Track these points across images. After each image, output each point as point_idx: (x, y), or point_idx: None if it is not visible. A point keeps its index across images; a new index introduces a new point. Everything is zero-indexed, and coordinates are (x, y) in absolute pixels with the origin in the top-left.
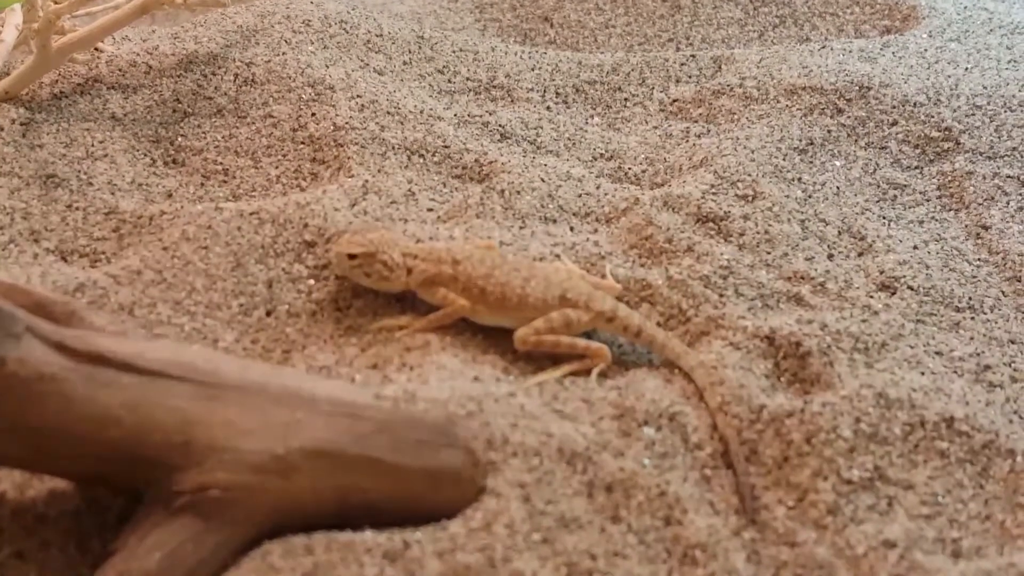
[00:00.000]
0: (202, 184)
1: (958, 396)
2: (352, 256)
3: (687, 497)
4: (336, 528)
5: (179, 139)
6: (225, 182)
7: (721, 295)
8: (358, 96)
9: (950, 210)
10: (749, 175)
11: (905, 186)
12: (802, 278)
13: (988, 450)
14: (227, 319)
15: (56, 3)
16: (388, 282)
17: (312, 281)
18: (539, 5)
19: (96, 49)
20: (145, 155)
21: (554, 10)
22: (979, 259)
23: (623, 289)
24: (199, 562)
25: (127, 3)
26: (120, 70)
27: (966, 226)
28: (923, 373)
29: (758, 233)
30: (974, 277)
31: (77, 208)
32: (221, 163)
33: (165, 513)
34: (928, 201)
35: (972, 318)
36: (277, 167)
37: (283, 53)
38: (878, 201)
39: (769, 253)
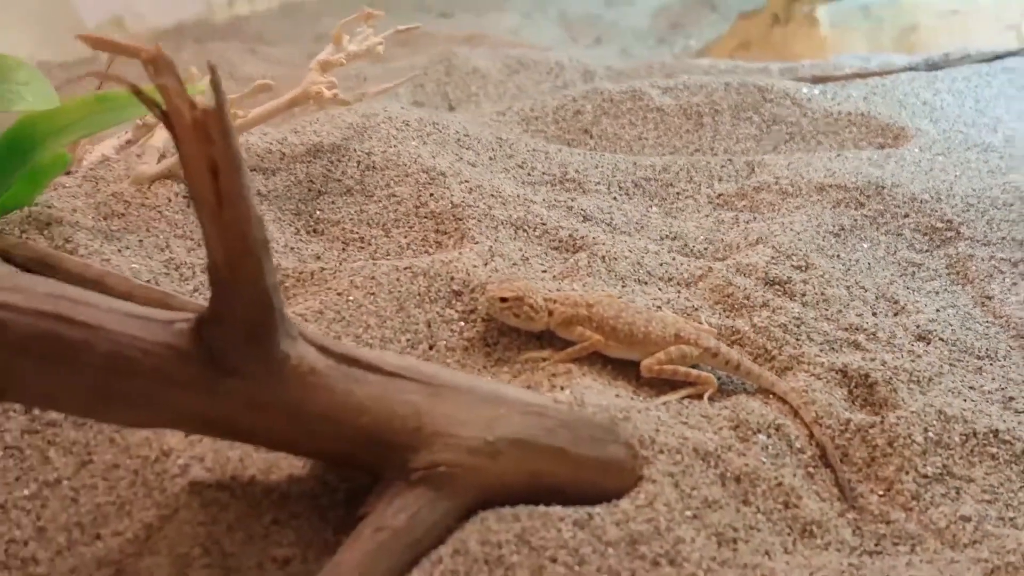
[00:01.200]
0: (344, 249)
1: (996, 416)
2: (504, 300)
3: (799, 487)
4: (533, 503)
5: (317, 212)
6: (363, 248)
7: (797, 339)
8: (465, 181)
9: (958, 284)
10: (799, 250)
11: (921, 264)
12: (857, 329)
13: None
14: (399, 351)
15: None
16: (532, 322)
17: (463, 323)
18: (579, 119)
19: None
20: (290, 225)
21: (592, 124)
22: (988, 321)
23: (718, 332)
24: (434, 523)
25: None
26: (258, 156)
27: (972, 297)
28: (965, 400)
29: (816, 294)
30: (986, 334)
31: None
32: (357, 232)
33: (404, 485)
34: (940, 276)
35: (991, 364)
36: (406, 236)
37: (395, 145)
38: (901, 275)
39: (827, 310)
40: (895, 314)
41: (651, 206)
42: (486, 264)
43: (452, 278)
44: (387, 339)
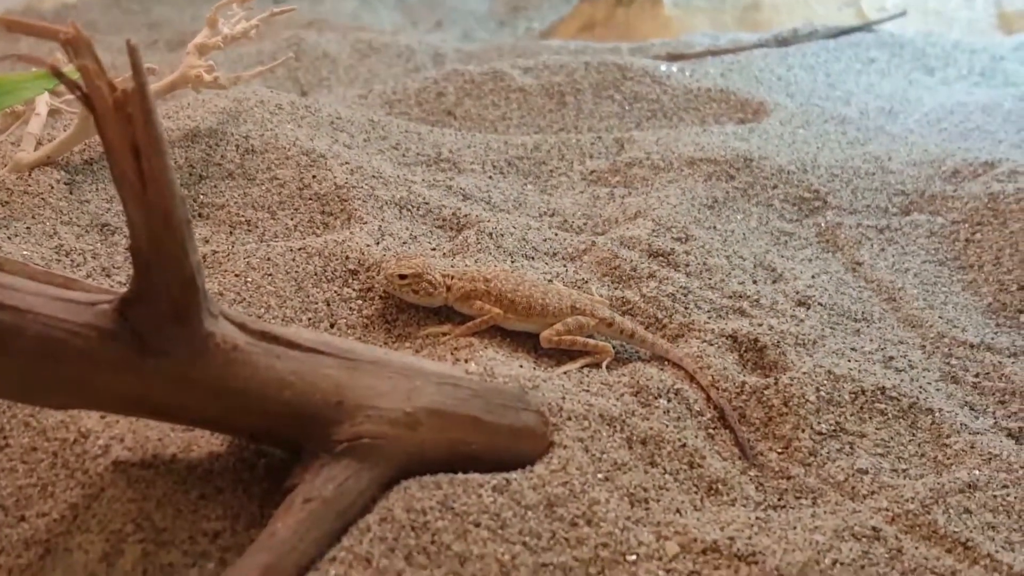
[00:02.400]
0: (231, 232)
1: (881, 374)
2: (403, 276)
3: (702, 447)
4: (452, 470)
5: (200, 197)
6: (250, 231)
7: (686, 307)
8: (346, 163)
9: (829, 251)
10: (678, 223)
11: (792, 233)
12: (741, 296)
13: (914, 409)
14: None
15: None
16: (431, 298)
17: (361, 301)
18: (442, 101)
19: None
20: None
21: (455, 105)
22: (859, 286)
23: (610, 303)
24: (360, 492)
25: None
26: None
27: (843, 263)
28: (850, 360)
29: (699, 265)
30: (860, 298)
31: None
32: (243, 216)
33: (330, 456)
34: (811, 245)
35: (868, 326)
36: (292, 218)
37: (271, 128)
38: (775, 244)
39: (710, 279)
40: (774, 281)
41: (526, 184)
42: (378, 243)
43: (347, 257)
44: (288, 318)
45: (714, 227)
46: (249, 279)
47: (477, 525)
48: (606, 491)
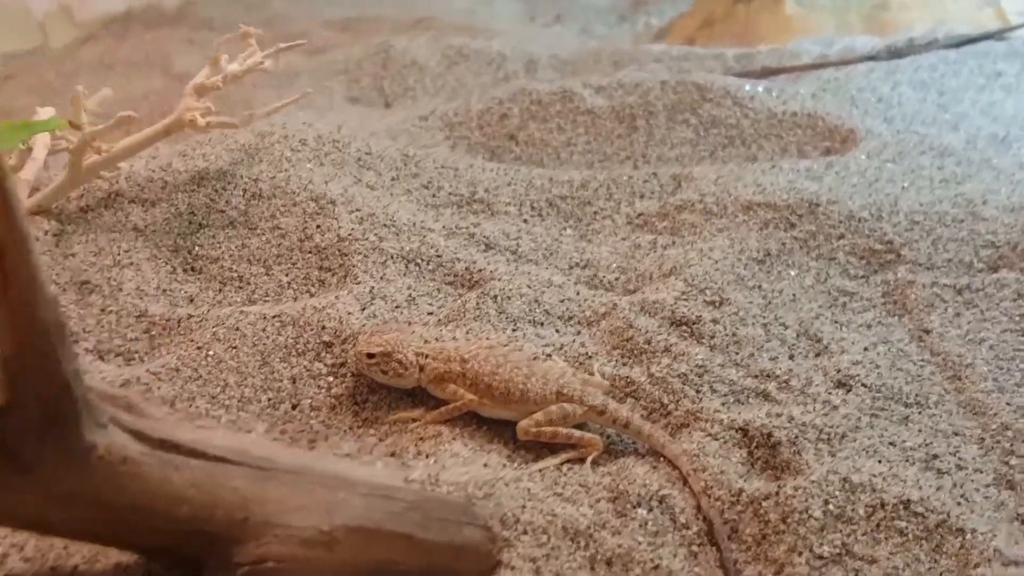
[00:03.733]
0: (220, 290)
1: (912, 481)
2: (371, 356)
3: (678, 570)
4: None
5: (196, 248)
6: (241, 288)
7: (697, 391)
8: (357, 210)
9: (894, 315)
10: (715, 283)
11: (853, 293)
12: (768, 376)
13: (941, 529)
14: (258, 412)
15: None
16: (402, 379)
17: (332, 378)
18: (504, 124)
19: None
20: (167, 263)
21: (519, 129)
22: (922, 360)
23: (610, 385)
24: None
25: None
26: (139, 185)
27: (909, 330)
28: (880, 461)
29: (727, 336)
30: (919, 376)
31: (111, 311)
32: (236, 271)
33: None
34: (875, 307)
35: (919, 412)
36: (287, 274)
37: (285, 170)
38: (830, 307)
39: (737, 354)
40: (816, 355)
41: (565, 228)
42: (363, 309)
43: (323, 327)
44: (246, 399)
45: (759, 286)
46: (211, 352)
47: None
48: None
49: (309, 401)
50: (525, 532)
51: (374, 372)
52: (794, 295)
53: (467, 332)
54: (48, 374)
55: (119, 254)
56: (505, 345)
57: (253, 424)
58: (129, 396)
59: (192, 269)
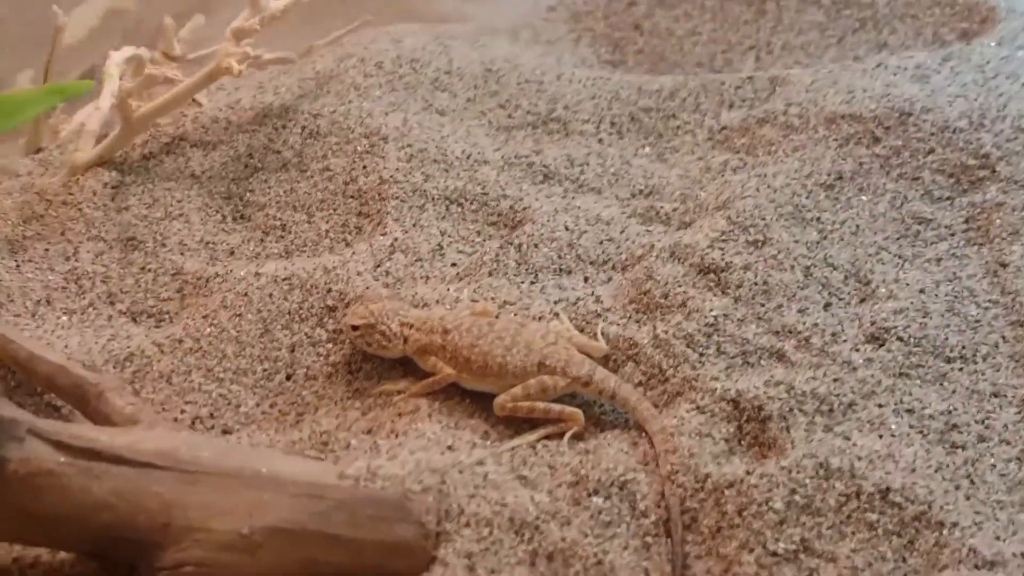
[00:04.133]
0: (261, 240)
1: (906, 463)
2: (355, 327)
3: (622, 566)
4: None
5: (247, 195)
6: (282, 237)
7: (701, 354)
8: (408, 146)
9: (973, 245)
10: (763, 219)
11: (930, 220)
12: (789, 333)
13: (918, 522)
14: (251, 384)
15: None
16: (387, 350)
17: (331, 344)
18: (631, 13)
19: (195, 101)
20: (217, 211)
21: (645, 17)
22: (989, 301)
23: (612, 348)
24: None
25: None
26: (204, 127)
27: (985, 263)
28: (881, 436)
29: (757, 284)
30: (977, 322)
31: (149, 270)
32: (280, 218)
33: None
34: (953, 235)
35: (960, 369)
36: (327, 221)
37: (349, 101)
38: (898, 239)
39: (763, 305)
40: (860, 301)
41: (643, 146)
42: (377, 266)
43: (329, 290)
44: (242, 370)
45: (817, 219)
46: (216, 321)
47: None
48: None
49: (305, 371)
50: (468, 524)
51: (360, 343)
52: (857, 227)
53: (475, 290)
54: None
55: (171, 205)
56: (499, 311)
57: (244, 398)
58: (102, 384)
59: (241, 217)
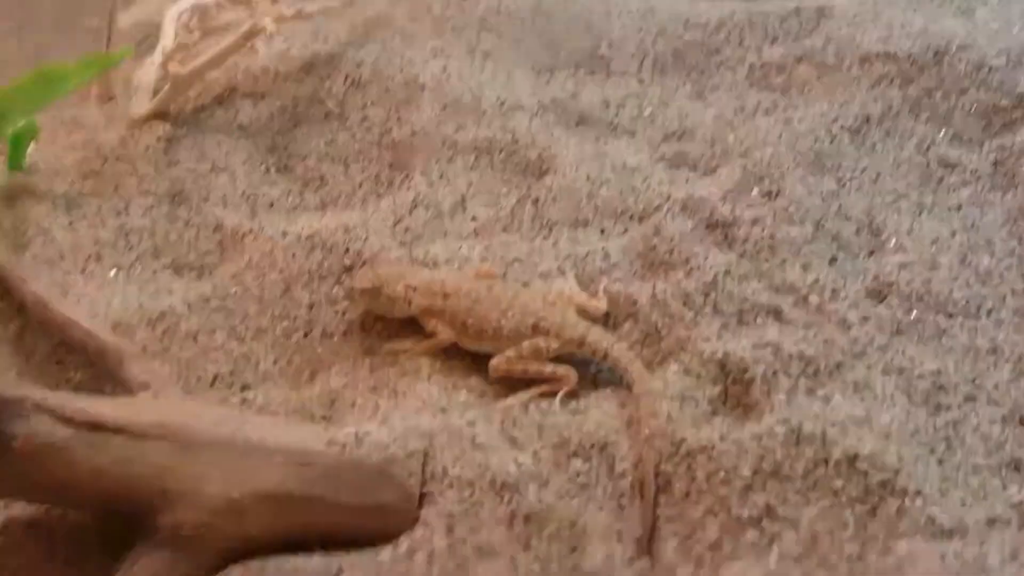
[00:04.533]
0: (300, 192)
1: (881, 428)
2: (362, 291)
3: (595, 527)
4: (297, 550)
5: (290, 146)
6: (319, 189)
7: (697, 313)
8: (444, 95)
9: (997, 190)
10: (780, 168)
11: (956, 165)
12: (789, 290)
13: (883, 489)
14: (271, 342)
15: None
16: (392, 312)
17: (348, 303)
18: None
19: (252, 47)
20: (261, 163)
21: None
22: (1005, 251)
23: (613, 306)
24: None
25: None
26: (254, 77)
27: (1008, 210)
28: (863, 399)
29: (764, 239)
30: (987, 274)
31: (192, 225)
32: (319, 170)
33: (149, 546)
34: (978, 180)
35: (961, 325)
36: (363, 172)
37: (392, 48)
38: (920, 185)
39: (767, 262)
40: (869, 254)
41: (682, 85)
42: (397, 223)
43: (347, 250)
44: (262, 329)
45: (838, 165)
46: (241, 281)
47: None
48: None
49: (322, 328)
50: (451, 486)
51: (368, 305)
52: (878, 174)
53: (487, 247)
54: None
55: (219, 158)
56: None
57: (262, 356)
58: (122, 351)
59: (283, 168)
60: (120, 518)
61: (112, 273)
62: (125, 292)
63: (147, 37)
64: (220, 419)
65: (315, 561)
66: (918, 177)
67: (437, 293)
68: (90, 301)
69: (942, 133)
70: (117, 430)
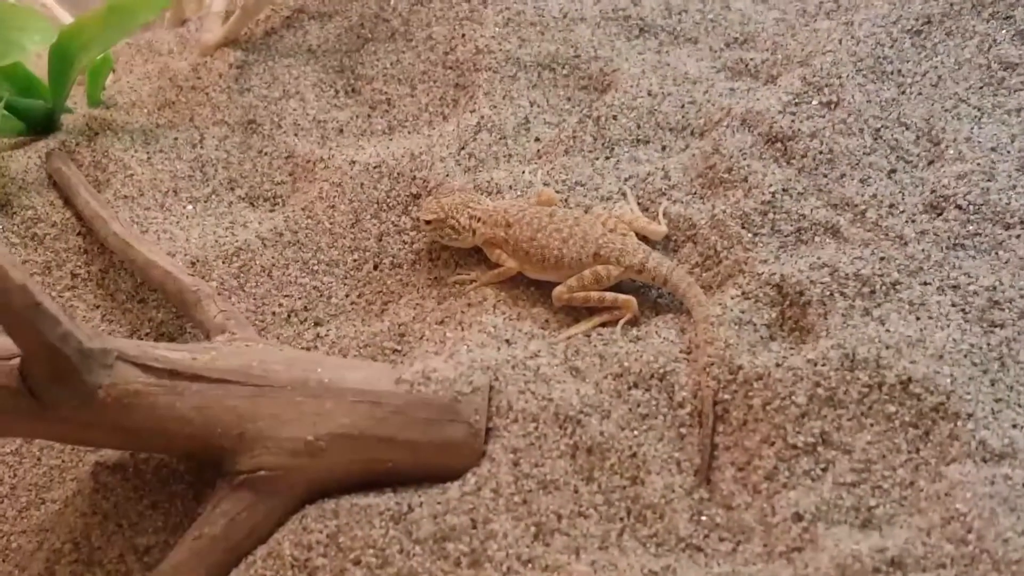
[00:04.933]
0: (368, 116)
1: (935, 349)
2: (428, 222)
3: (655, 458)
4: (371, 487)
5: (358, 67)
6: (387, 112)
7: (755, 234)
8: (507, 8)
9: None
10: (839, 76)
11: (1017, 65)
12: (847, 205)
13: (936, 413)
14: (342, 275)
15: None
16: (458, 242)
17: (414, 232)
18: None
19: None
20: (330, 87)
21: None
22: None
23: (673, 228)
24: (254, 525)
25: None
26: None
27: None
28: (918, 318)
29: (822, 152)
30: None
31: (265, 154)
32: (386, 92)
33: (229, 488)
34: None
35: (1018, 236)
36: (428, 94)
37: None
38: (980, 87)
39: (826, 176)
40: (928, 164)
41: None
42: (462, 148)
43: (414, 178)
44: (333, 262)
45: (898, 71)
46: (312, 213)
47: (357, 563)
48: (513, 519)
49: (391, 259)
50: (515, 420)
51: (433, 236)
52: (939, 77)
53: (549, 171)
54: (36, 343)
55: (289, 83)
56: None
57: (335, 289)
58: (200, 291)
59: (352, 91)
60: (203, 460)
61: (189, 207)
62: (203, 226)
63: None
64: (293, 361)
65: (386, 499)
66: (979, 79)
67: (500, 223)
68: (170, 237)
69: (1004, 30)
70: (195, 377)
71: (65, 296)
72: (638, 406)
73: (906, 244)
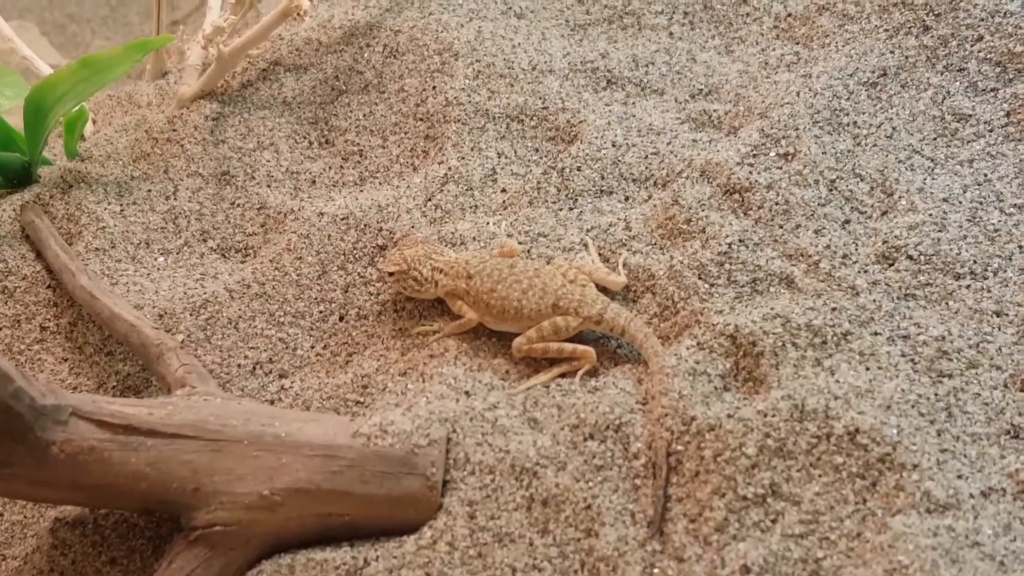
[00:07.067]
0: (341, 167)
1: (883, 399)
2: (391, 273)
3: (609, 509)
4: (327, 541)
5: (332, 119)
6: (359, 162)
7: (712, 284)
8: (477, 61)
9: (1011, 141)
10: (796, 128)
11: (970, 116)
12: (801, 256)
13: (882, 464)
14: (308, 327)
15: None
16: (420, 293)
17: (380, 283)
18: None
19: (299, 16)
20: (304, 138)
21: None
22: (1015, 205)
23: (632, 279)
24: None
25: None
26: (297, 49)
27: (1020, 161)
28: (867, 368)
29: (778, 204)
30: (996, 232)
31: (238, 205)
32: (358, 143)
33: (185, 544)
34: (991, 132)
35: (968, 286)
36: (399, 145)
37: (429, 14)
38: (934, 139)
39: (781, 227)
40: (882, 214)
41: (711, 38)
42: (428, 200)
43: (380, 229)
44: (300, 314)
45: (854, 123)
46: (280, 265)
47: None
48: (467, 574)
49: (357, 310)
50: (472, 472)
51: (397, 287)
52: (894, 128)
53: (512, 223)
54: None
55: (263, 134)
56: (527, 248)
57: (300, 341)
58: (163, 345)
59: (325, 142)
60: (161, 515)
61: (160, 259)
62: (173, 278)
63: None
64: (250, 415)
65: (342, 553)
66: (932, 131)
67: (461, 274)
68: (139, 289)
69: (957, 82)
70: (150, 432)
71: (34, 349)
72: (593, 457)
73: (858, 294)
